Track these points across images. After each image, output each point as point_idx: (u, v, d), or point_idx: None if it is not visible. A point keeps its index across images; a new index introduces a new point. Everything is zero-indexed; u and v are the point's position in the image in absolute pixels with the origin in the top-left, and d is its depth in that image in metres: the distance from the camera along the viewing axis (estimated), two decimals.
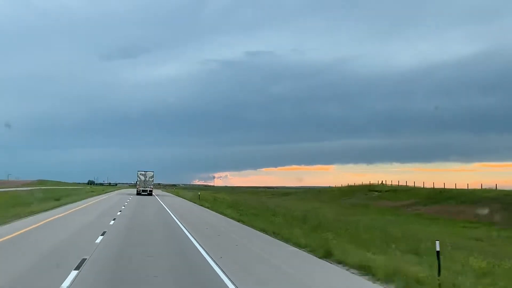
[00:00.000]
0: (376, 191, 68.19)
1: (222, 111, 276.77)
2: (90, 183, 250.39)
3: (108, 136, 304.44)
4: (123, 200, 54.25)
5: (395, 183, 73.44)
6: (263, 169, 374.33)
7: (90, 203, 46.14)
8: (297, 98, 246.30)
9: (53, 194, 64.49)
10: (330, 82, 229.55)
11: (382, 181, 77.25)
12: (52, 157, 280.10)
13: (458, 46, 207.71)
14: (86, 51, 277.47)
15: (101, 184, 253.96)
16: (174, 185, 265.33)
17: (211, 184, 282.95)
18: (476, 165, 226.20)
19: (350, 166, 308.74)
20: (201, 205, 47.25)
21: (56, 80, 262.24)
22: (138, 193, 74.41)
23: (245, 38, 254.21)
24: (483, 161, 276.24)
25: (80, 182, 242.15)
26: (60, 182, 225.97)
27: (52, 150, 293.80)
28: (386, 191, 66.01)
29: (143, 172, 75.54)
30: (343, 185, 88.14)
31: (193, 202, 53.77)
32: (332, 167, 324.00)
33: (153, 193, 76.85)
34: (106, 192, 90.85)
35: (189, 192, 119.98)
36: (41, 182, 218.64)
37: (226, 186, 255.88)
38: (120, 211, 34.47)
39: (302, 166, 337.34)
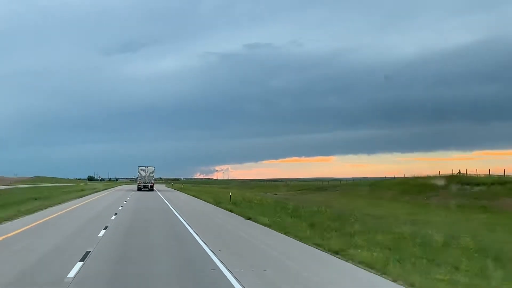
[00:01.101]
0: (474, 184, 45.95)
1: (222, 103, 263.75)
2: (90, 178, 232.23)
3: (108, 131, 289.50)
4: (113, 207, 31.81)
5: (395, 173, 53.89)
6: (264, 162, 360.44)
7: (42, 220, 23.59)
8: (296, 89, 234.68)
9: (15, 197, 42.22)
10: (329, 73, 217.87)
11: (459, 170, 55.22)
12: (52, 153, 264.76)
13: (458, 35, 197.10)
14: (85, 46, 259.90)
15: (102, 180, 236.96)
16: (177, 179, 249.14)
17: (213, 177, 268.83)
18: (477, 153, 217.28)
19: (351, 156, 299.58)
20: (248, 218, 25.00)
21: (55, 76, 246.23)
22: (139, 189, 70.12)
23: (244, 30, 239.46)
24: (483, 149, 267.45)
25: (81, 178, 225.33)
26: (58, 178, 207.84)
27: (52, 146, 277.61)
28: (492, 184, 43.70)
29: (144, 168, 71.87)
30: (397, 176, 66.27)
31: (229, 211, 30.90)
32: (333, 158, 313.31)
33: (155, 189, 72.14)
34: (97, 191, 68.12)
35: (196, 187, 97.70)
36: (37, 179, 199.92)
37: (229, 180, 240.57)
38: (89, 253, 12.12)
39: (303, 158, 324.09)
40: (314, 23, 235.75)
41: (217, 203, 36.50)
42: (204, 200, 41.94)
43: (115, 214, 26.27)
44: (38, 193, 53.55)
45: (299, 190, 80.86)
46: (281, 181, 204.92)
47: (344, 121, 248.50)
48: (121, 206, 33.09)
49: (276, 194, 69.10)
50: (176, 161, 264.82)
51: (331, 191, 70.15)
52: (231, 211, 29.82)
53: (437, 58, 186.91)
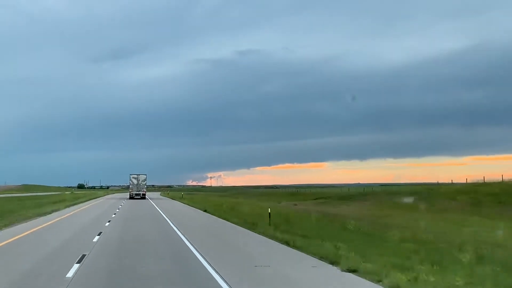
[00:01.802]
0: None
1: (214, 110, 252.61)
2: (80, 186, 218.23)
3: (100, 138, 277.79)
4: (82, 239, 18.06)
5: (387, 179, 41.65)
6: (257, 168, 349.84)
7: None
8: (288, 96, 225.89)
9: None
10: (321, 80, 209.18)
11: None
12: (43, 161, 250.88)
13: (447, 41, 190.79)
14: (75, 54, 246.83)
15: (93, 188, 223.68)
16: (170, 187, 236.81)
17: (205, 184, 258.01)
18: (467, 159, 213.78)
19: (343, 162, 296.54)
20: (352, 270, 11.67)
21: (45, 84, 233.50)
22: (131, 197, 67.44)
23: (235, 37, 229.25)
24: (473, 154, 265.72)
25: (72, 186, 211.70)
26: (46, 186, 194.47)
27: (43, 153, 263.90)
28: None
29: (136, 176, 69.34)
30: (440, 182, 53.29)
31: (285, 243, 16.57)
32: (325, 164, 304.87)
33: (149, 198, 68.73)
34: (79, 203, 54.21)
35: (196, 196, 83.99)
36: (25, 188, 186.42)
37: (224, 186, 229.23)
38: None
39: (296, 164, 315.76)
40: (305, 29, 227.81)
41: (248, 224, 22.98)
42: (224, 219, 28.25)
43: (74, 268, 12.72)
44: (3, 206, 40.41)
45: (317, 199, 67.31)
46: (276, 187, 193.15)
47: (336, 127, 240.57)
48: (98, 235, 19.46)
49: (296, 205, 55.76)
50: (168, 168, 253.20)
51: (361, 201, 56.85)
52: (288, 244, 16.38)
53: (427, 63, 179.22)
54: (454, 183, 52.21)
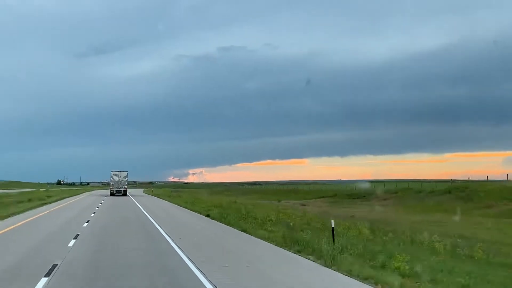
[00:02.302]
0: None
1: (196, 107, 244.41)
2: (58, 183, 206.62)
3: (80, 134, 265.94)
4: None
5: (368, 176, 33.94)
6: (238, 165, 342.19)
7: None
8: (270, 92, 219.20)
9: None
10: (303, 76, 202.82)
11: None
12: (21, 157, 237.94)
13: (428, 39, 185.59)
14: (57, 49, 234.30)
15: (73, 184, 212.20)
16: (151, 183, 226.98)
17: (187, 181, 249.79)
18: (447, 156, 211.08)
19: (324, 159, 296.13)
20: None
21: (26, 80, 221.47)
22: (112, 194, 65.55)
23: (218, 33, 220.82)
24: (454, 151, 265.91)
25: (51, 182, 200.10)
26: (24, 183, 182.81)
27: (22, 150, 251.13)
28: None
29: (117, 172, 67.28)
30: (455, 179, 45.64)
31: None
32: (306, 161, 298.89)
33: (130, 195, 66.01)
34: (43, 204, 44.33)
35: (185, 194, 74.96)
36: (0, 184, 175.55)
37: (203, 183, 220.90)
38: None
39: (277, 161, 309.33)
40: (288, 26, 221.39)
41: (295, 245, 14.16)
42: (244, 230, 19.20)
43: None
44: None
45: (322, 197, 58.78)
46: (259, 184, 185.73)
47: (317, 124, 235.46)
48: (49, 273, 10.33)
49: (304, 205, 47.13)
50: (149, 164, 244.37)
51: (378, 200, 48.47)
52: None
53: (409, 60, 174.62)
54: (490, 180, 44.07)
